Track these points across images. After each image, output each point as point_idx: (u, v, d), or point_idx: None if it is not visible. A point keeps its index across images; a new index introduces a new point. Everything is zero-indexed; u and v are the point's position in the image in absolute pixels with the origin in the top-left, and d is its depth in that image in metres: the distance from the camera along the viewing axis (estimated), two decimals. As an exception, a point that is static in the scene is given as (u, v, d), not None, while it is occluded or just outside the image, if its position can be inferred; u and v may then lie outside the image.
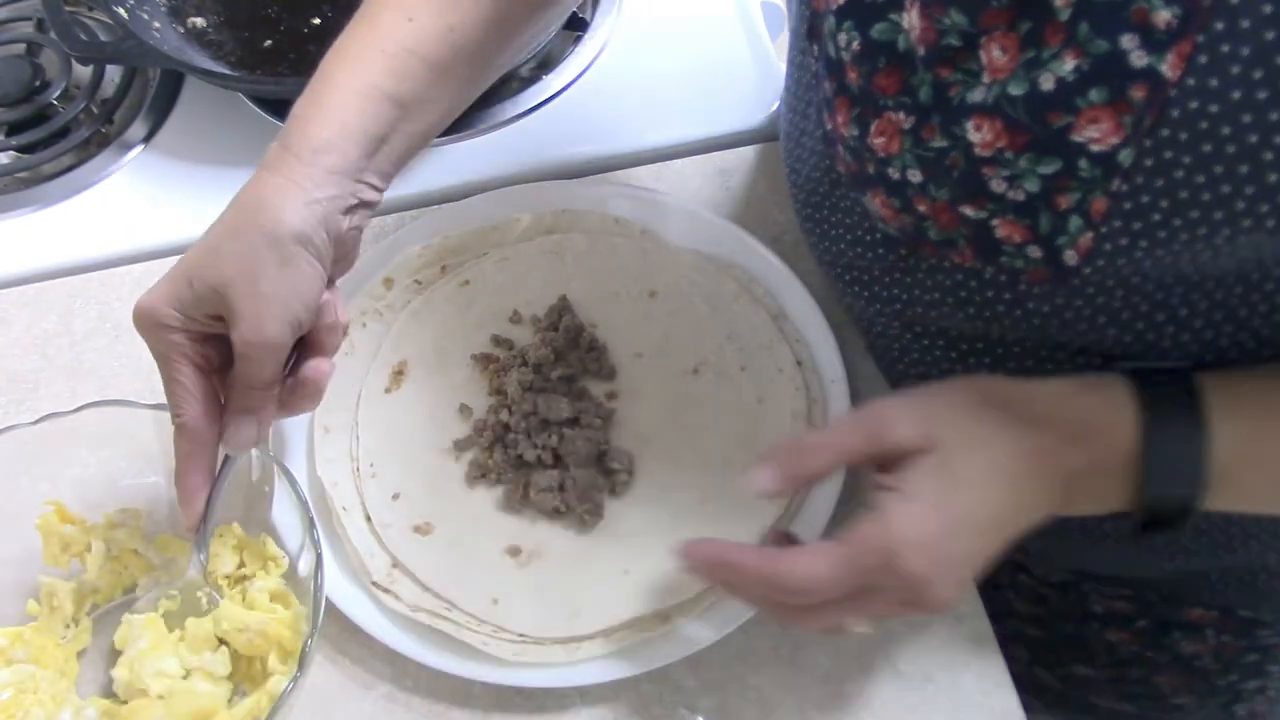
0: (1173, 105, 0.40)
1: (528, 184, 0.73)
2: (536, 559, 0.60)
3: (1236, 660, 0.71)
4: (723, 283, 0.68)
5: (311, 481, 0.63)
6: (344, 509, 0.61)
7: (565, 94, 0.81)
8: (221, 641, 0.56)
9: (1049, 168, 0.44)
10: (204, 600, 0.57)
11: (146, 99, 0.84)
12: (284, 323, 0.51)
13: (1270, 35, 0.37)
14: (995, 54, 0.43)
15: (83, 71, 0.86)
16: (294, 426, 0.65)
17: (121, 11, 0.80)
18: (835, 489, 0.60)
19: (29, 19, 0.90)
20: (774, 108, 0.79)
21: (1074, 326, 0.50)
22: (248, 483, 0.59)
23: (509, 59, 0.63)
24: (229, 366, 0.53)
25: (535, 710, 0.58)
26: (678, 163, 0.77)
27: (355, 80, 0.54)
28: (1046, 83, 0.42)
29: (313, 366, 0.54)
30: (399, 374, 0.66)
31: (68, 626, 0.59)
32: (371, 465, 0.63)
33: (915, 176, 0.49)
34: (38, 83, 0.85)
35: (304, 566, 0.57)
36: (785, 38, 0.66)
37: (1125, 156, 0.42)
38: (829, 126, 0.54)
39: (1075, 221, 0.45)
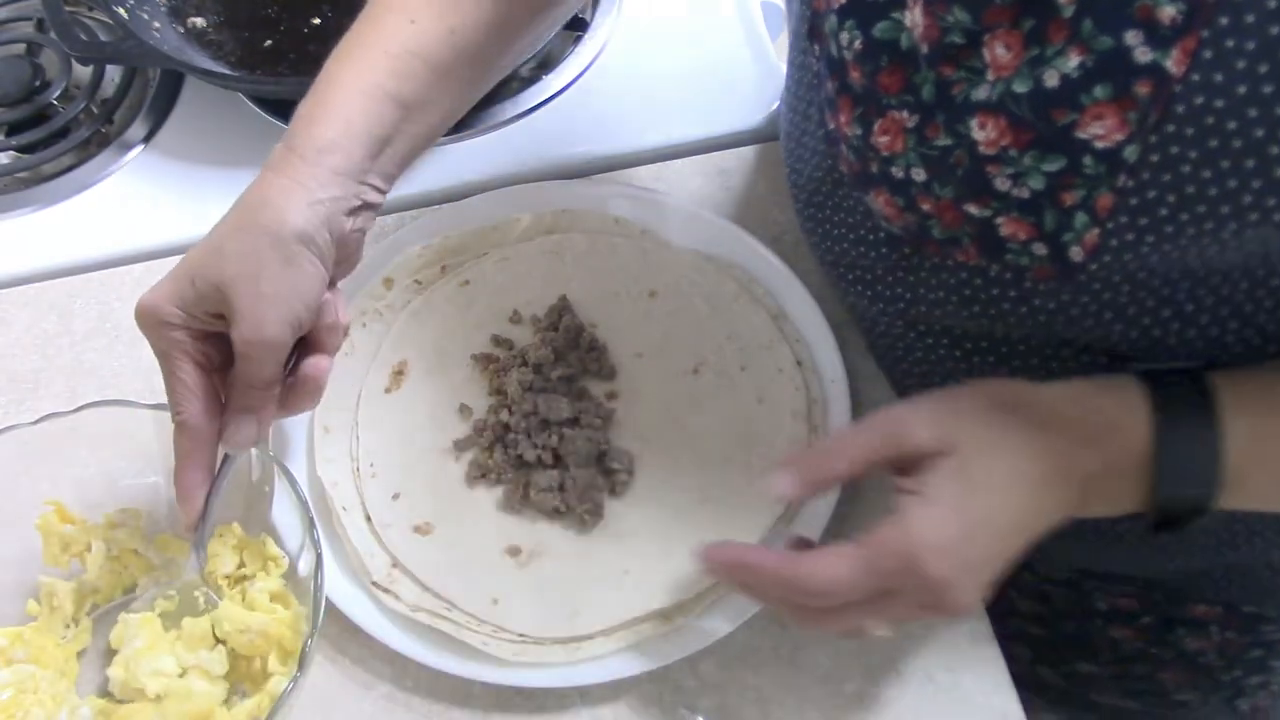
0: (1178, 101, 0.40)
1: (528, 184, 0.73)
2: (536, 559, 0.60)
3: (1240, 656, 0.72)
4: (723, 283, 0.68)
5: (311, 481, 0.63)
6: (344, 509, 0.61)
7: (565, 94, 0.81)
8: (219, 641, 0.56)
9: (1053, 165, 0.44)
10: (201, 600, 0.57)
11: (146, 99, 0.84)
12: (284, 322, 0.51)
13: (1275, 30, 0.37)
14: (999, 51, 0.43)
15: (83, 71, 0.86)
16: (294, 426, 0.65)
17: (121, 11, 0.80)
18: (835, 489, 0.60)
19: (29, 19, 0.90)
20: (774, 108, 0.79)
21: (1079, 323, 0.50)
22: (248, 483, 0.59)
23: (510, 61, 0.64)
24: (230, 365, 0.53)
25: (535, 710, 0.58)
26: (678, 163, 0.77)
27: (359, 82, 0.55)
28: (1051, 80, 0.42)
29: (311, 364, 0.54)
30: (399, 374, 0.66)
31: (68, 626, 0.59)
32: (371, 465, 0.63)
33: (919, 175, 0.49)
34: (38, 83, 0.85)
35: (304, 566, 0.57)
36: (785, 38, 0.66)
37: (1131, 153, 0.42)
38: (831, 126, 0.54)
39: (1081, 218, 0.45)
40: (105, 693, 0.57)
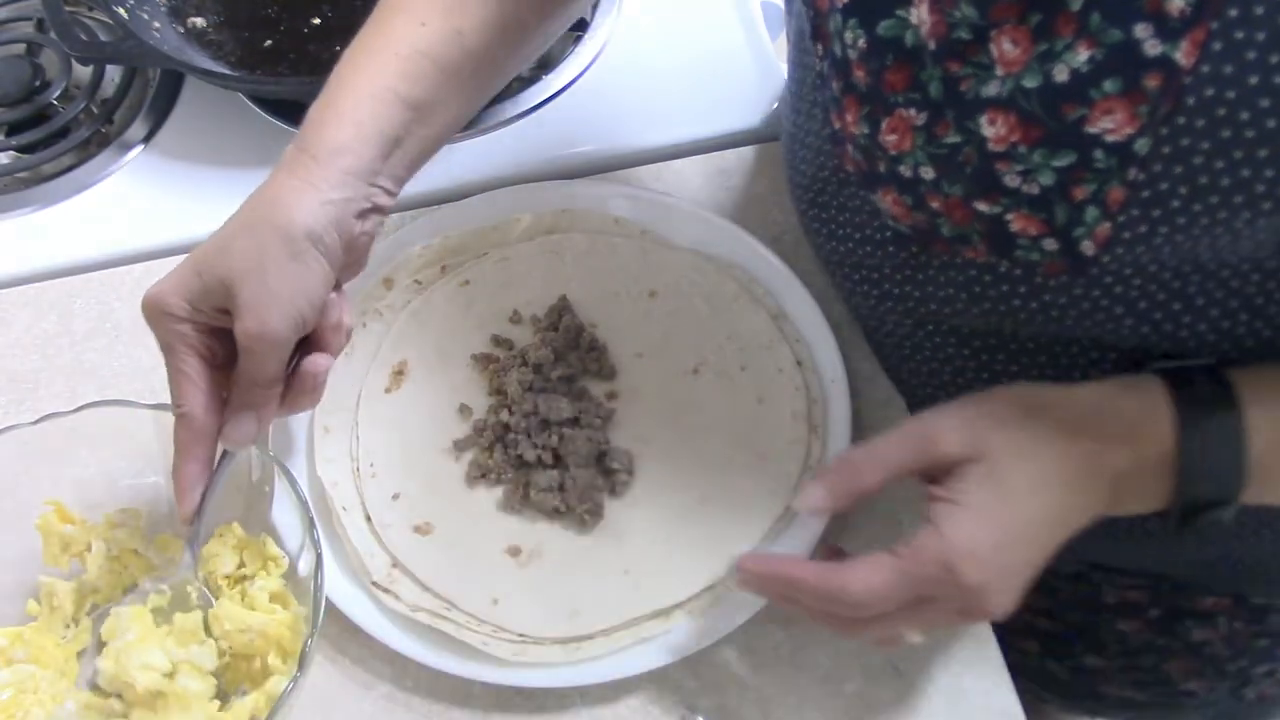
0: (1188, 93, 0.40)
1: (528, 184, 0.73)
2: (536, 559, 0.60)
3: (1247, 646, 0.72)
4: (723, 283, 0.68)
5: (311, 481, 0.63)
6: (344, 509, 0.61)
7: (565, 94, 0.81)
8: (213, 639, 0.56)
9: (1063, 160, 0.44)
10: (194, 595, 0.57)
11: (146, 99, 0.84)
12: (287, 318, 0.51)
13: None
14: (1006, 47, 0.43)
15: (83, 71, 0.86)
16: (294, 426, 0.65)
17: (121, 11, 0.80)
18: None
19: (29, 19, 0.90)
20: (774, 108, 0.79)
21: (1091, 317, 0.50)
22: (248, 483, 0.59)
23: (520, 62, 0.64)
24: (234, 363, 0.53)
25: (535, 710, 0.58)
26: (678, 163, 0.77)
27: (369, 84, 0.55)
28: (1060, 74, 0.42)
29: (311, 361, 0.55)
30: (399, 374, 0.66)
31: (68, 626, 0.59)
32: (371, 465, 0.63)
33: (927, 173, 0.49)
34: (38, 83, 0.85)
35: (304, 566, 0.57)
36: (785, 38, 0.66)
37: (1141, 146, 0.42)
38: (837, 126, 0.54)
39: (1092, 212, 0.45)
40: (94, 685, 0.57)
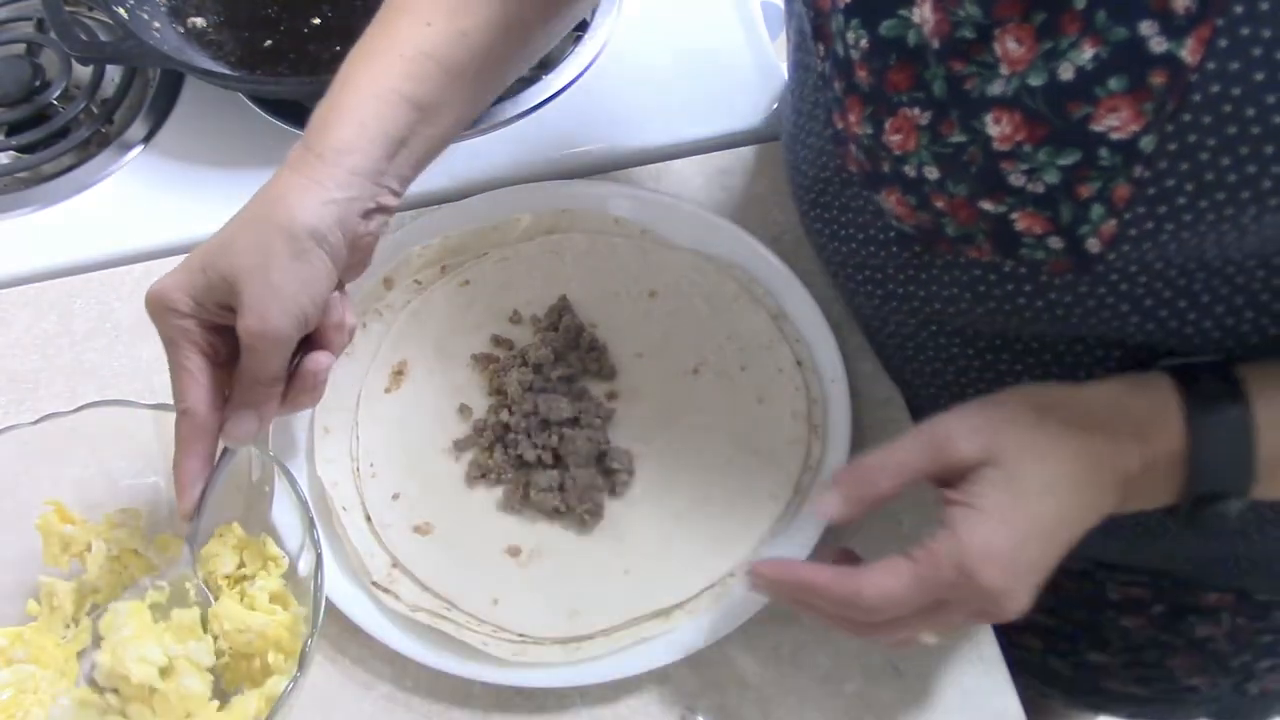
0: (1194, 90, 0.40)
1: (528, 184, 0.73)
2: (536, 559, 0.60)
3: (1251, 641, 0.72)
4: (723, 283, 0.68)
5: (311, 481, 0.63)
6: (344, 509, 0.61)
7: (565, 94, 0.81)
8: (211, 635, 0.56)
9: (1068, 159, 0.44)
10: (192, 592, 0.57)
11: (146, 99, 0.83)
12: (290, 315, 0.51)
13: None
14: (1010, 45, 0.43)
15: (83, 71, 0.86)
16: (294, 427, 0.65)
17: (121, 11, 0.80)
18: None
19: (29, 19, 0.89)
20: (774, 108, 0.79)
21: (1096, 315, 0.51)
22: (248, 483, 0.59)
23: (524, 63, 0.64)
24: (236, 359, 0.53)
25: (535, 710, 0.58)
26: (678, 163, 0.77)
27: (374, 85, 0.55)
28: (1066, 73, 0.42)
29: (312, 359, 0.55)
30: (399, 374, 0.66)
31: (68, 626, 0.59)
32: (371, 465, 0.63)
33: (932, 173, 0.49)
34: (38, 83, 0.85)
35: (304, 566, 0.56)
36: (785, 38, 0.66)
37: (1147, 143, 0.42)
38: (839, 126, 0.54)
39: (1097, 210, 0.45)
40: (91, 680, 0.56)
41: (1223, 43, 0.39)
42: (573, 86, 0.82)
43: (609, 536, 0.61)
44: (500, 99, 0.80)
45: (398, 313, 0.68)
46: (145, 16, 0.82)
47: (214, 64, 0.81)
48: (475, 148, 0.79)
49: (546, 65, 0.82)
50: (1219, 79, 0.39)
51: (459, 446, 0.64)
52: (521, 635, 0.57)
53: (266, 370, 0.52)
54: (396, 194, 0.57)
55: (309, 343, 0.55)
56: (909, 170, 0.50)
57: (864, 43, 0.48)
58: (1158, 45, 0.40)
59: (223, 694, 0.56)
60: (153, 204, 0.78)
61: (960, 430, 0.48)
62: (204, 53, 0.82)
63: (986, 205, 0.48)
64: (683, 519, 0.61)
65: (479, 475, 0.63)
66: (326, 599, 0.54)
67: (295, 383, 0.55)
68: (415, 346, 0.67)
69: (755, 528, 0.60)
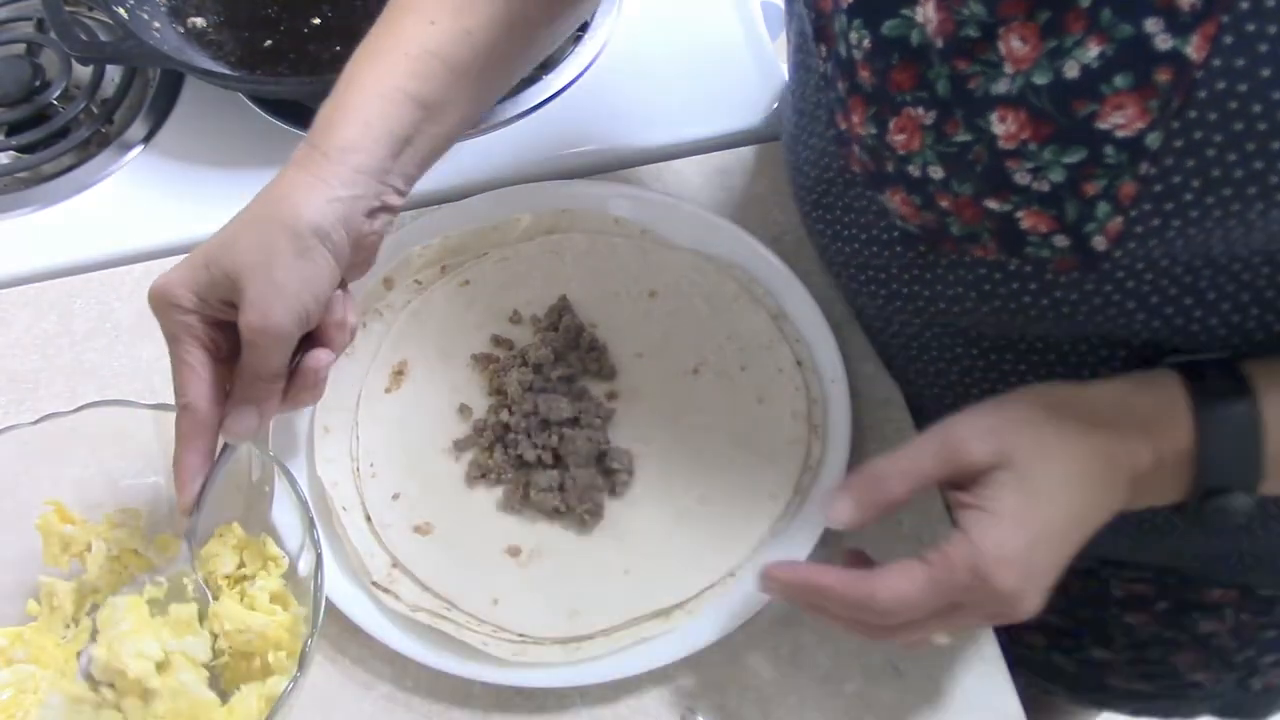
0: (1200, 87, 0.40)
1: (528, 184, 0.73)
2: (536, 559, 0.60)
3: (1254, 637, 0.72)
4: (723, 283, 0.68)
5: (311, 481, 0.63)
6: (344, 509, 0.61)
7: (565, 94, 0.81)
8: (209, 632, 0.56)
9: (1074, 157, 0.44)
10: (190, 588, 0.57)
11: (146, 99, 0.83)
12: (291, 312, 0.51)
13: None
14: (1014, 44, 0.43)
15: (83, 71, 0.86)
16: (295, 426, 0.65)
17: (121, 11, 0.80)
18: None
19: (29, 19, 0.89)
20: (774, 108, 0.79)
21: (1101, 313, 0.51)
22: (248, 483, 0.59)
23: (529, 62, 0.65)
24: (238, 356, 0.53)
25: (535, 710, 0.58)
26: (678, 163, 0.77)
27: (379, 84, 0.55)
28: (1071, 71, 0.42)
29: (313, 356, 0.55)
30: (399, 374, 0.66)
31: (68, 626, 0.59)
32: (371, 465, 0.63)
33: (936, 173, 0.49)
34: (38, 83, 0.85)
35: (304, 566, 0.56)
36: (785, 38, 0.66)
37: (1153, 140, 0.42)
38: (843, 126, 0.54)
39: (1103, 207, 0.45)
40: (87, 675, 0.56)
41: (1228, 39, 0.39)
42: (573, 86, 0.82)
43: (609, 536, 0.61)
44: (501, 99, 0.80)
45: (398, 313, 0.68)
46: (145, 16, 0.82)
47: (214, 64, 0.81)
48: (475, 147, 0.79)
49: (547, 65, 0.82)
50: (1224, 75, 0.39)
51: (459, 446, 0.64)
52: (521, 635, 0.57)
53: (267, 366, 0.52)
54: (401, 193, 0.57)
55: (310, 340, 0.55)
56: (913, 170, 0.50)
57: (866, 43, 0.48)
58: (1163, 42, 0.40)
59: (222, 694, 0.56)
60: (153, 204, 0.78)
61: (973, 433, 0.48)
62: (204, 53, 0.82)
63: (992, 204, 0.48)
64: (683, 519, 0.61)
65: (479, 475, 0.63)
66: (326, 599, 0.54)
67: (296, 380, 0.55)
68: (415, 346, 0.67)
69: (755, 528, 0.60)
